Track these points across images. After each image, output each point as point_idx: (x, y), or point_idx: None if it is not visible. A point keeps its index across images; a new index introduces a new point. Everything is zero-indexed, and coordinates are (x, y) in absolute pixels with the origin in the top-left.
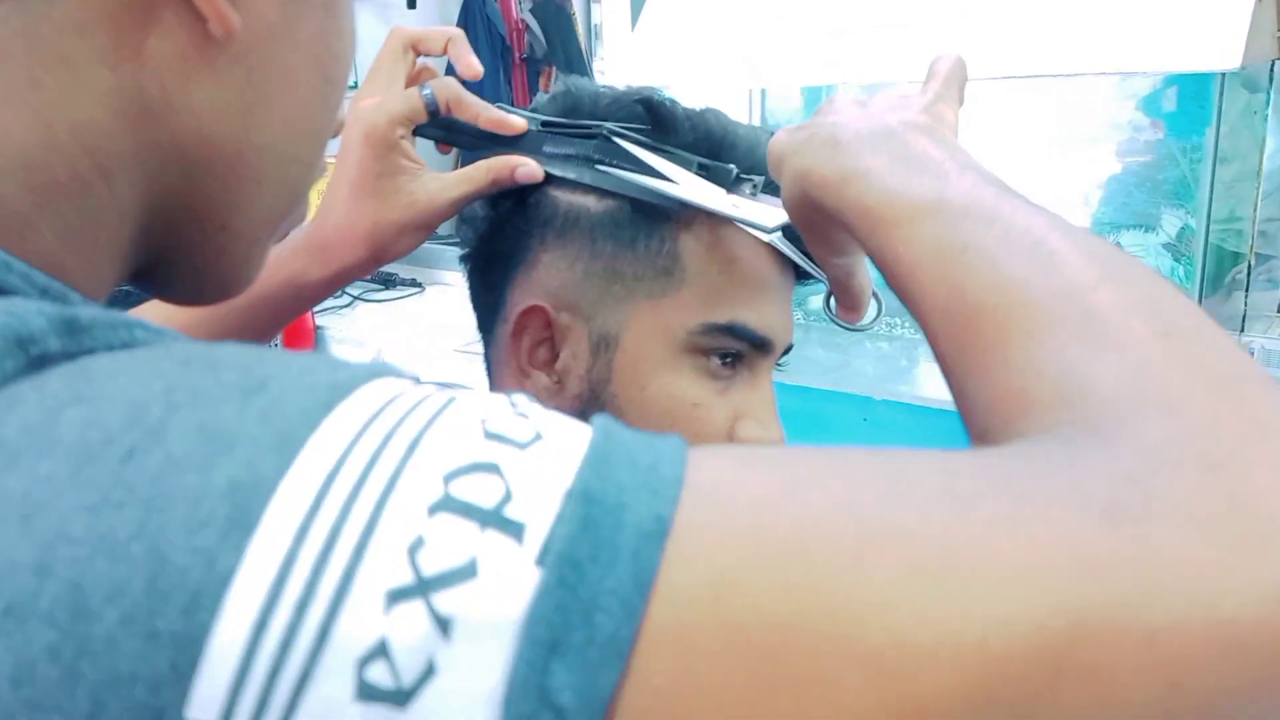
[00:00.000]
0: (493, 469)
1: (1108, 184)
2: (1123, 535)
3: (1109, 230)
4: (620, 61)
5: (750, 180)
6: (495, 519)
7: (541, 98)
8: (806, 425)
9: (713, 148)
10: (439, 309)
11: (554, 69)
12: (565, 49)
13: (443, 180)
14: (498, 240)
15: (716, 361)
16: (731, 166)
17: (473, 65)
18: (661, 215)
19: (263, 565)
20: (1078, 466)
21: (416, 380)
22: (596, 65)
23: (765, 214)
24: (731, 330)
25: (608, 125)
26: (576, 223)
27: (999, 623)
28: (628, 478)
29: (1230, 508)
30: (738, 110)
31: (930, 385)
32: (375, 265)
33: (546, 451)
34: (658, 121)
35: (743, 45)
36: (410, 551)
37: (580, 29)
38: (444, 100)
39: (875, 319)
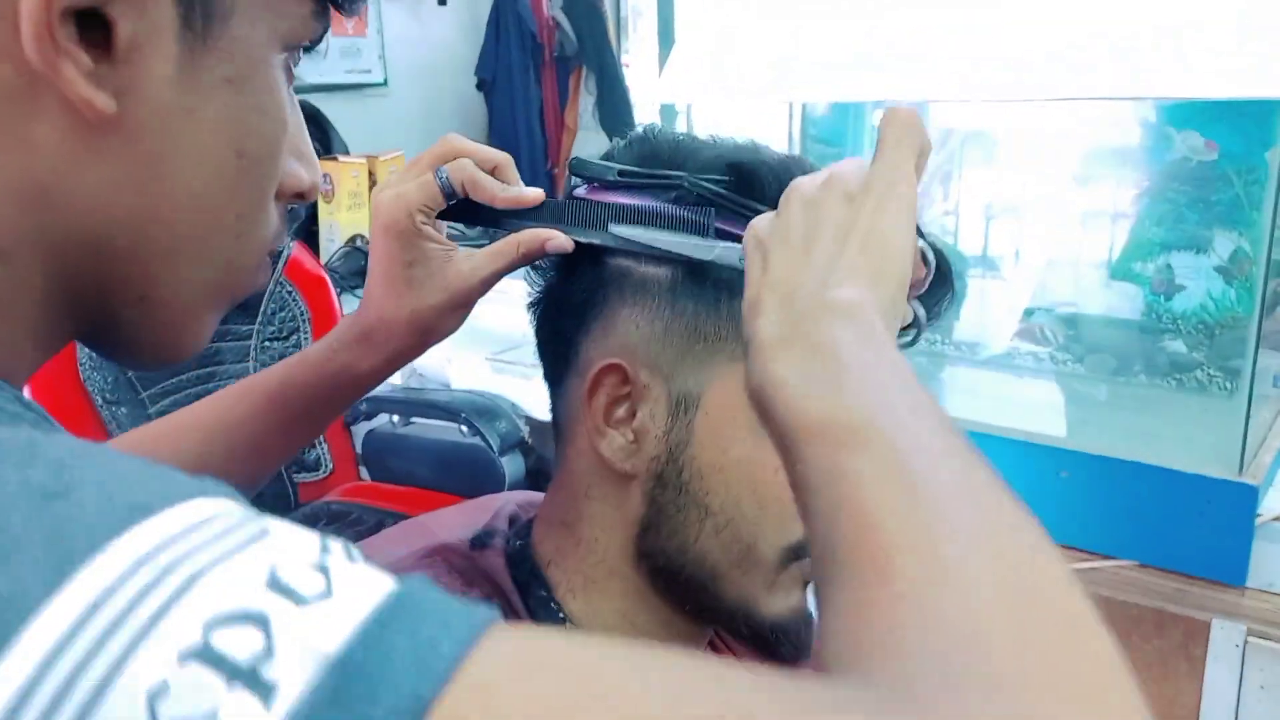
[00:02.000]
0: (260, 621)
1: (1158, 204)
2: None
3: (1159, 251)
4: (654, 78)
5: None
6: (246, 676)
7: (618, 143)
8: None
9: None
10: (471, 318)
11: (584, 68)
12: (597, 48)
13: (474, 259)
14: (571, 289)
15: None
16: None
17: (518, 196)
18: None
19: (2, 688)
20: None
21: (244, 505)
22: (625, 59)
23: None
24: None
25: (688, 176)
26: (656, 277)
27: None
28: (402, 648)
29: None
30: (777, 123)
31: (958, 406)
32: (425, 347)
33: (327, 610)
34: (741, 178)
35: (779, 59)
36: (150, 697)
37: (611, 28)
38: (459, 183)
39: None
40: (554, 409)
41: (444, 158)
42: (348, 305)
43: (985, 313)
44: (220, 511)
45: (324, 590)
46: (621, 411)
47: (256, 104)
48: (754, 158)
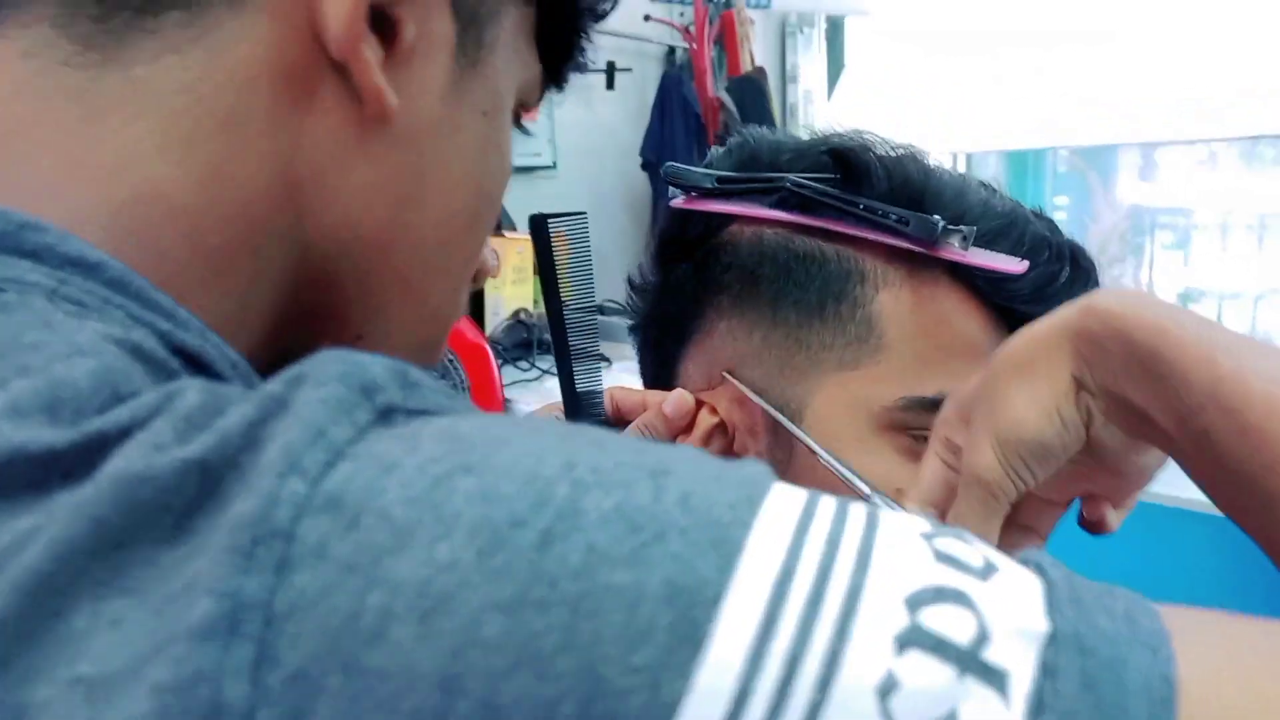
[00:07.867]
0: (962, 599)
1: None
2: None
3: None
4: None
5: (959, 231)
6: (974, 663)
7: (716, 151)
8: None
9: (912, 196)
10: (623, 383)
11: None
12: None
13: None
14: (671, 307)
15: (920, 440)
16: (936, 218)
17: None
18: (855, 275)
19: (711, 698)
20: None
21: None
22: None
23: (1000, 260)
24: (941, 405)
25: (791, 177)
26: (756, 287)
27: None
28: (1111, 627)
29: None
30: None
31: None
32: None
33: (1008, 584)
34: (848, 171)
35: (944, 109)
36: (881, 696)
37: (775, 106)
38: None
39: None
40: None
41: None
42: (508, 376)
43: None
44: (801, 489)
45: (987, 563)
46: (720, 439)
47: (499, 144)
48: (861, 147)
